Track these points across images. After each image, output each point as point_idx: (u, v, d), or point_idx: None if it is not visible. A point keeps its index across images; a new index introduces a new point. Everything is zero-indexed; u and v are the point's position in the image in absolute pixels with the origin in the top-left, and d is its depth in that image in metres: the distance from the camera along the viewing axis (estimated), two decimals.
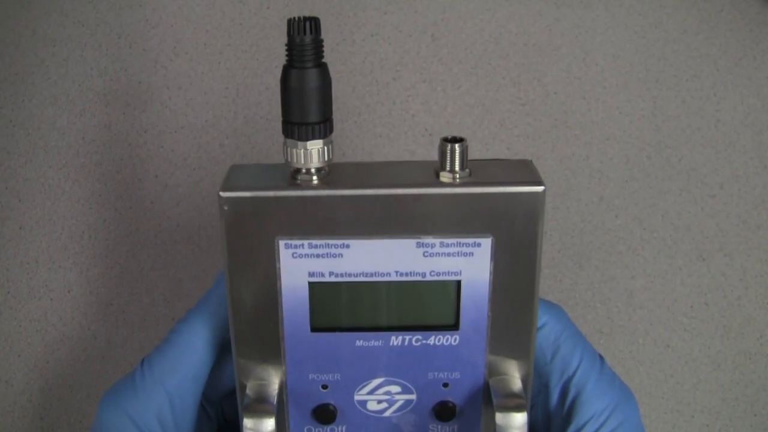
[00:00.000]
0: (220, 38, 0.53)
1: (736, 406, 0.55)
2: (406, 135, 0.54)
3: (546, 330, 0.39)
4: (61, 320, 0.55)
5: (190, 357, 0.38)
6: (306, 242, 0.35)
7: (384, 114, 0.54)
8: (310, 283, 0.36)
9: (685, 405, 0.55)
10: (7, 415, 0.56)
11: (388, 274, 0.35)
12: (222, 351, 0.40)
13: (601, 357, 0.40)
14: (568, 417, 0.39)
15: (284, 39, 0.53)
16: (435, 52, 0.53)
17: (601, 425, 0.38)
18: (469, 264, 0.35)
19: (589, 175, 0.54)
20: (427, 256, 0.35)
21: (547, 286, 0.54)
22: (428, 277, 0.36)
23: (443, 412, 0.38)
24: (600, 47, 0.53)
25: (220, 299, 0.39)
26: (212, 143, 0.54)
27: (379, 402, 0.38)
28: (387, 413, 0.38)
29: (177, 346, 0.39)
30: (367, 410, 0.38)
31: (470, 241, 0.35)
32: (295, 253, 0.35)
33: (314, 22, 0.33)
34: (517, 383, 0.37)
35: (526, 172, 0.36)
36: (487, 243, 0.35)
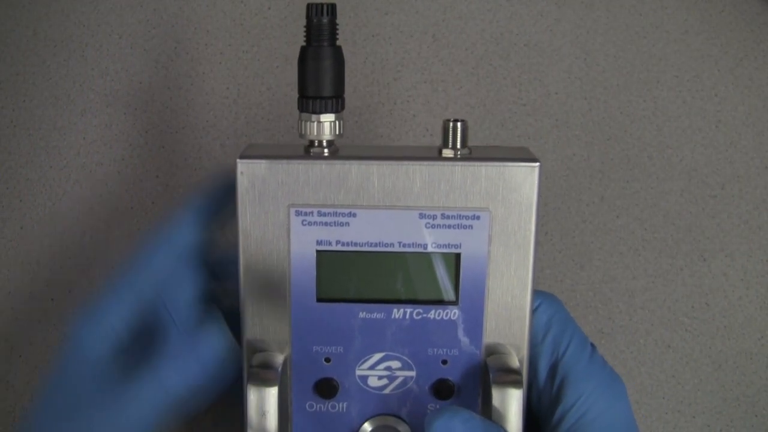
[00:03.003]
0: (221, 39, 0.53)
1: (738, 406, 0.55)
2: (407, 135, 0.54)
3: (539, 312, 0.40)
4: (62, 321, 0.55)
5: (178, 235, 0.40)
6: (315, 210, 0.37)
7: (385, 114, 0.54)
8: (318, 252, 0.37)
9: (686, 405, 0.55)
10: (7, 415, 0.56)
11: (392, 244, 0.37)
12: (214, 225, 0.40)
13: (592, 344, 0.40)
14: (557, 398, 0.39)
15: (285, 39, 0.53)
16: (436, 52, 0.53)
17: (589, 408, 0.38)
18: (469, 237, 0.37)
19: (590, 175, 0.54)
20: (428, 228, 0.37)
21: (547, 287, 0.54)
22: (430, 249, 0.37)
23: (442, 389, 0.39)
24: (601, 47, 0.53)
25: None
26: (213, 144, 0.54)
27: (380, 378, 0.39)
28: (387, 390, 0.39)
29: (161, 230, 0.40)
30: (368, 386, 0.39)
31: (469, 213, 0.37)
32: (305, 220, 0.37)
33: (331, 7, 0.36)
34: (513, 360, 0.38)
35: (522, 152, 0.38)
36: (485, 216, 0.37)
